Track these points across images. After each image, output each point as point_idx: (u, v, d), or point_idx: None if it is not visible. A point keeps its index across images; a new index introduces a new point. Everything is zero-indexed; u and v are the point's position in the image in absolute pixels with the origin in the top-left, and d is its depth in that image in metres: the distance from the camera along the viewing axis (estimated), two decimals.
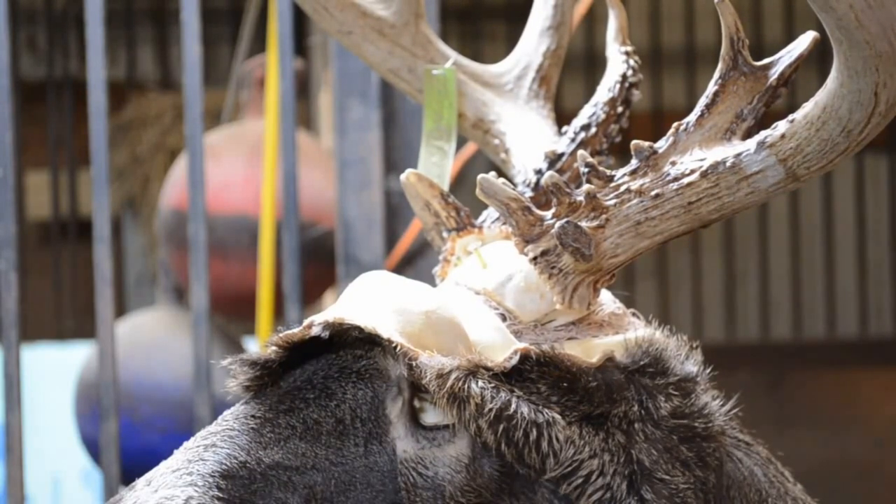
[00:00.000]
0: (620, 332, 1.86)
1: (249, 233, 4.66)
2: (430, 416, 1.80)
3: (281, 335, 1.84)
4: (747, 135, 1.83)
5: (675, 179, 1.79)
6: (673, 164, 1.80)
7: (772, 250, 8.95)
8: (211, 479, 1.74)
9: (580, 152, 1.84)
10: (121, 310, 8.22)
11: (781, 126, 1.75)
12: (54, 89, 9.54)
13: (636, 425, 1.80)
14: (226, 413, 1.84)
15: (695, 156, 1.80)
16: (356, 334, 1.82)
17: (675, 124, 1.83)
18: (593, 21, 7.77)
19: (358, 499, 1.78)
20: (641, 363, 1.83)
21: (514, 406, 1.75)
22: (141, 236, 9.51)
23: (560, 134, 2.14)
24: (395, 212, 3.66)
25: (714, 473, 1.84)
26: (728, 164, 1.77)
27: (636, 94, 2.13)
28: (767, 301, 8.96)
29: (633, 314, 1.94)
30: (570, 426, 1.77)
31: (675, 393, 1.83)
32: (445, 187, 2.05)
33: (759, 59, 1.85)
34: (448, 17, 8.10)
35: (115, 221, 8.89)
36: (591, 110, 2.12)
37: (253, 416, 1.81)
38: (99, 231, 3.39)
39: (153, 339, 4.72)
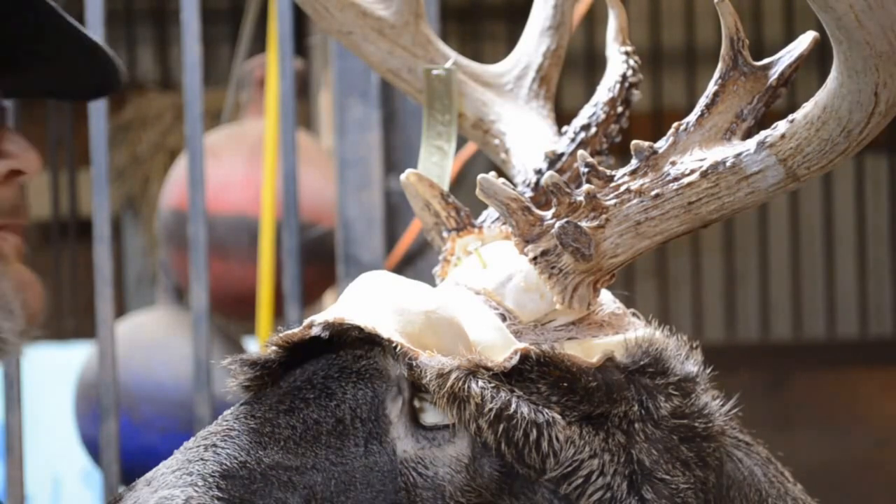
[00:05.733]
0: (620, 332, 1.86)
1: (249, 233, 4.65)
2: (430, 416, 1.80)
3: (281, 335, 1.84)
4: (747, 135, 1.83)
5: (675, 179, 1.79)
6: (673, 164, 1.80)
7: (772, 250, 8.94)
8: (211, 480, 1.74)
9: (580, 152, 1.84)
10: (121, 310, 8.21)
11: (781, 126, 1.75)
12: None
13: (636, 425, 1.80)
14: (226, 413, 1.84)
15: (695, 156, 1.80)
16: (356, 334, 1.82)
17: (675, 124, 1.83)
18: (593, 21, 7.77)
19: (358, 499, 1.78)
20: (641, 363, 1.83)
21: (514, 406, 1.75)
22: (141, 236, 9.50)
23: (560, 134, 2.14)
24: (395, 212, 3.66)
25: (714, 473, 1.84)
26: (728, 164, 1.77)
27: (636, 94, 2.13)
28: (767, 301, 8.95)
29: (633, 314, 1.93)
30: (571, 426, 1.77)
31: (676, 393, 1.83)
32: (445, 187, 2.05)
33: (759, 59, 1.85)
34: (448, 17, 8.09)
35: (115, 221, 8.88)
36: (591, 110, 2.12)
37: (253, 416, 1.81)
38: (99, 231, 3.38)
39: (153, 339, 4.72)
